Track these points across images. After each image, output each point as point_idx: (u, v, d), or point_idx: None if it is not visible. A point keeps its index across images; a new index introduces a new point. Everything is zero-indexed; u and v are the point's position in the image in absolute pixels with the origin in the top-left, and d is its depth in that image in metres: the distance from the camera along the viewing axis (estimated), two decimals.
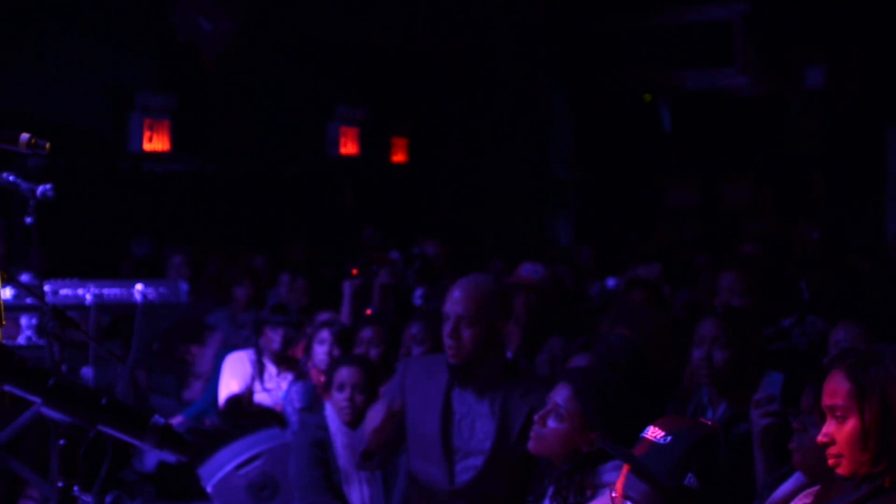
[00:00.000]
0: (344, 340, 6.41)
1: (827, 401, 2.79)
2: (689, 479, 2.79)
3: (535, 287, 6.41)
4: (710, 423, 3.04)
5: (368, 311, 7.23)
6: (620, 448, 2.91)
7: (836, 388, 2.77)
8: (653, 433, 2.88)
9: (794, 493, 3.27)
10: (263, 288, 8.93)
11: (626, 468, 2.93)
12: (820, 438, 2.79)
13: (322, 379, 6.04)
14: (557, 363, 5.43)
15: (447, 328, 4.37)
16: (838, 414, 2.76)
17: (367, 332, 6.27)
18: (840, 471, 2.77)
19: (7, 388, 2.09)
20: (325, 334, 6.43)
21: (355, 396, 5.43)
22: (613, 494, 2.89)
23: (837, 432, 2.76)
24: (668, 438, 2.84)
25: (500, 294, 4.49)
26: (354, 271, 8.14)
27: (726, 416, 4.38)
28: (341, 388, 5.45)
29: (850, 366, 2.76)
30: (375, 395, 5.52)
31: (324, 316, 7.08)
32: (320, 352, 6.39)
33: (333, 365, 5.75)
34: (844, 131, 13.51)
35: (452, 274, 6.35)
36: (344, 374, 5.48)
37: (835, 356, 3.82)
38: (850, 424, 2.74)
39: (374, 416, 4.66)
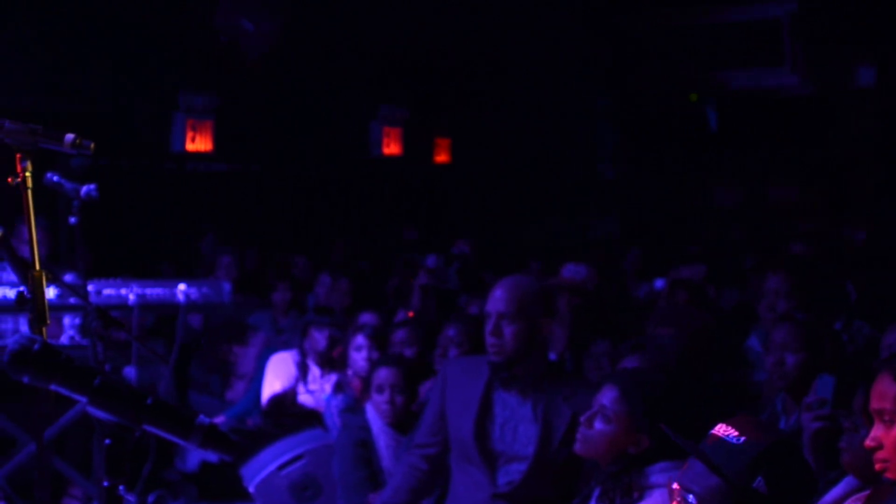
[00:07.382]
0: (380, 341, 6.37)
1: (875, 404, 2.74)
2: (759, 483, 2.72)
3: (577, 288, 6.37)
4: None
5: (411, 314, 7.21)
6: (689, 441, 2.84)
7: (884, 392, 2.71)
8: (724, 431, 2.81)
9: (844, 497, 3.22)
10: (303, 291, 8.90)
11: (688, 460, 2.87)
12: (868, 443, 2.74)
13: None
14: (604, 366, 5.38)
15: (489, 326, 4.37)
16: (886, 418, 2.71)
17: (399, 334, 6.24)
18: (889, 475, 2.72)
19: (53, 387, 2.08)
20: (360, 340, 6.38)
21: (395, 398, 5.39)
22: (675, 486, 2.83)
23: (885, 436, 2.71)
24: (742, 439, 2.77)
25: (542, 293, 4.47)
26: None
27: (799, 424, 4.31)
28: (380, 389, 5.41)
29: None
30: (415, 395, 5.49)
31: (366, 317, 7.05)
32: (359, 358, 6.35)
33: (372, 367, 5.72)
34: (895, 131, 13.35)
35: (495, 275, 6.31)
36: (382, 375, 5.44)
37: (883, 359, 3.76)
38: None
39: None
